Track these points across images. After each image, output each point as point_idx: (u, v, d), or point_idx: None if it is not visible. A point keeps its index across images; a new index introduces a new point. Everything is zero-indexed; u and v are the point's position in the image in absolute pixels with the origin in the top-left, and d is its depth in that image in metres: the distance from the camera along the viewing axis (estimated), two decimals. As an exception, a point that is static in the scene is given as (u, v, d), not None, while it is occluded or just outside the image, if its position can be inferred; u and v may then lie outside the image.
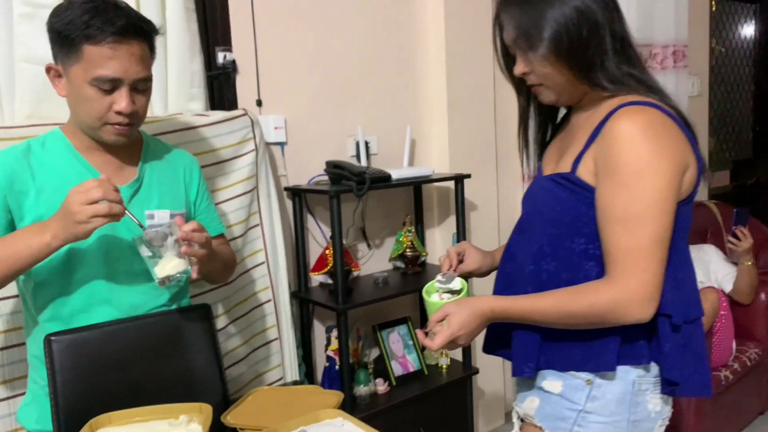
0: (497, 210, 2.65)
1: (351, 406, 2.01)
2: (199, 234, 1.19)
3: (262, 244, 1.93)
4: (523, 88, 1.22)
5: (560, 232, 1.09)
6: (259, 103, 2.06)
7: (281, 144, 2.13)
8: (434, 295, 1.15)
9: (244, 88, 2.04)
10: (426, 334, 1.11)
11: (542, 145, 1.28)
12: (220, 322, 1.81)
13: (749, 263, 2.53)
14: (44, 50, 1.24)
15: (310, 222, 2.23)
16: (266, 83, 2.07)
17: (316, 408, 1.11)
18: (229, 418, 1.13)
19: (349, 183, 2.01)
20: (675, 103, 1.08)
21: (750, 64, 4.35)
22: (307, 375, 2.18)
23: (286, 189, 2.15)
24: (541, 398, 1.15)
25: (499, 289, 1.21)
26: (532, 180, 1.27)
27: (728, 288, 2.60)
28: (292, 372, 1.99)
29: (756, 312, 2.63)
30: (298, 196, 2.14)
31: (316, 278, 2.21)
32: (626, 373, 1.08)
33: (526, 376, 1.16)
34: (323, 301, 2.07)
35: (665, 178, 0.99)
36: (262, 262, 1.93)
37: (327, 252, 2.12)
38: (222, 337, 1.79)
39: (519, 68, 1.12)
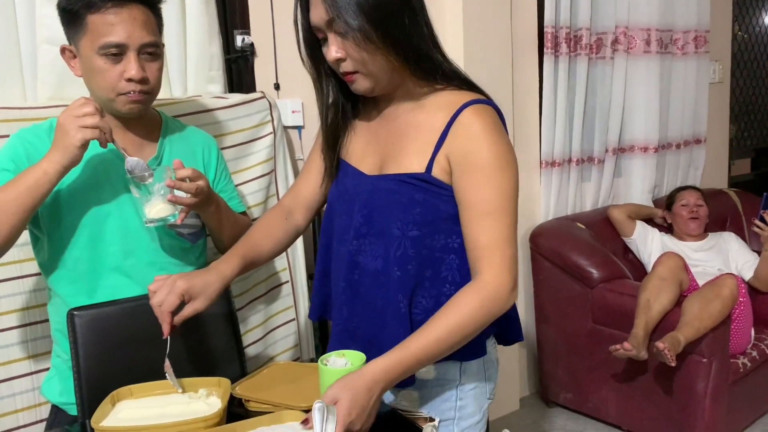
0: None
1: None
2: (187, 185, 1.20)
3: (279, 227, 1.94)
4: (326, 77, 1.12)
5: (422, 233, 1.07)
6: (276, 86, 2.07)
7: (298, 128, 2.14)
8: (322, 364, 1.04)
9: (262, 71, 2.05)
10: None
11: (336, 140, 1.18)
12: (239, 302, 1.83)
13: None
14: (66, 31, 1.26)
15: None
16: (284, 67, 2.08)
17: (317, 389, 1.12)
18: (238, 390, 1.12)
19: (366, 166, 2.01)
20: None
21: (774, 50, 4.26)
22: (323, 357, 2.20)
23: (303, 172, 2.16)
24: (418, 390, 1.14)
25: (348, 299, 1.13)
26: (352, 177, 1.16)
27: (748, 275, 2.57)
28: (309, 353, 2.02)
29: (776, 300, 2.60)
30: (314, 179, 2.15)
31: (333, 262, 2.22)
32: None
33: (409, 387, 1.12)
34: (339, 283, 2.07)
35: (515, 171, 1.06)
36: (280, 244, 1.95)
37: (343, 235, 2.13)
38: (240, 317, 1.81)
39: (332, 53, 1.02)
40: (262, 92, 1.90)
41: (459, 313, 1.00)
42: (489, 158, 1.03)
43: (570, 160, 2.84)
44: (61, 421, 1.32)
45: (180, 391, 1.08)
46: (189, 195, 1.21)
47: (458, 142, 1.04)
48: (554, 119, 2.73)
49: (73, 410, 1.29)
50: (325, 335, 2.22)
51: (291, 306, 1.98)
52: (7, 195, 1.13)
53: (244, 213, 1.52)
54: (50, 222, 1.26)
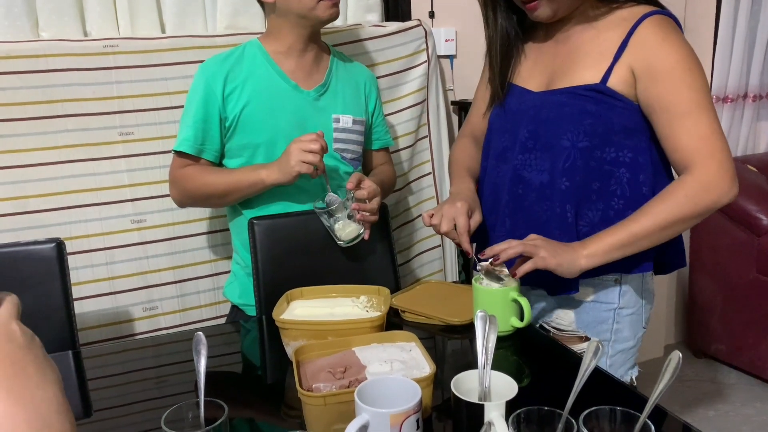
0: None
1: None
2: (371, 206, 1.31)
3: (429, 156, 1.99)
4: (494, 3, 1.17)
5: (592, 144, 1.08)
6: (431, 14, 2.07)
7: (450, 57, 2.13)
8: (477, 283, 1.13)
9: (418, -1, 2.05)
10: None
11: (507, 66, 1.22)
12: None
13: None
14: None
15: (475, 137, 2.24)
16: (439, -6, 2.06)
17: (466, 307, 1.18)
18: (395, 301, 1.22)
19: (519, 97, 1.97)
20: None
21: None
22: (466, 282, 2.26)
23: (453, 103, 2.17)
24: (574, 309, 1.17)
25: (511, 212, 1.18)
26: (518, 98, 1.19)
27: None
28: (453, 276, 2.09)
29: None
30: (464, 110, 2.15)
31: (478, 193, 2.24)
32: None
33: (573, 294, 1.15)
34: (485, 214, 2.10)
35: (703, 72, 1.05)
36: (429, 173, 2.00)
37: (491, 167, 2.13)
38: (390, 239, 1.90)
39: None
40: (418, 20, 1.91)
41: (662, 211, 1.03)
42: (676, 60, 1.04)
43: (746, 96, 2.57)
44: (239, 319, 1.50)
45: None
46: (370, 212, 1.33)
47: (641, 51, 1.06)
48: (731, 49, 2.47)
49: (249, 311, 1.47)
50: (467, 262, 2.27)
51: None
52: (223, 179, 1.34)
53: (387, 148, 1.61)
54: (234, 145, 1.39)
